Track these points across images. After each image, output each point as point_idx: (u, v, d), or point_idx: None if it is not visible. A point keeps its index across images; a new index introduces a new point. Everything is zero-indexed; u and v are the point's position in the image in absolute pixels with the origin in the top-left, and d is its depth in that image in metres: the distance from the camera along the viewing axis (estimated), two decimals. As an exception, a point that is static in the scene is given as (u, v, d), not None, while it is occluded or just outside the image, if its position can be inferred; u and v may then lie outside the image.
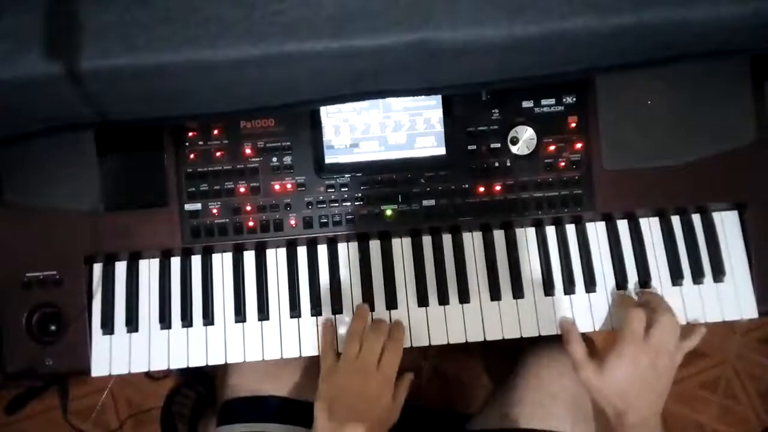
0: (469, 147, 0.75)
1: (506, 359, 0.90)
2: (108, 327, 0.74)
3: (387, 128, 0.75)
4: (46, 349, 0.73)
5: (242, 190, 0.74)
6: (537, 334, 0.75)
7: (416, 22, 0.50)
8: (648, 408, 0.68)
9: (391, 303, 0.75)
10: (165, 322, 0.75)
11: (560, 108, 0.75)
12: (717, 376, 1.39)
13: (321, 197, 0.74)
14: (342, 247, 0.77)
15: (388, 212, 0.75)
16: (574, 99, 0.75)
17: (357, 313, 0.73)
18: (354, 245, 0.77)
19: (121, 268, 0.76)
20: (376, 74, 0.56)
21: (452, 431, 0.90)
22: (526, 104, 0.75)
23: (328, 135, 0.75)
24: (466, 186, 0.75)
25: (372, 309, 0.75)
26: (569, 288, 0.76)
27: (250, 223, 0.74)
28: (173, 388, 1.32)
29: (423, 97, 0.74)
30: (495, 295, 0.75)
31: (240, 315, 0.75)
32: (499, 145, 0.74)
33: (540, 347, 0.80)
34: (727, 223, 0.77)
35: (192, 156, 0.74)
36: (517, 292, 0.76)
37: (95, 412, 1.36)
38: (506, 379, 0.84)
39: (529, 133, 0.74)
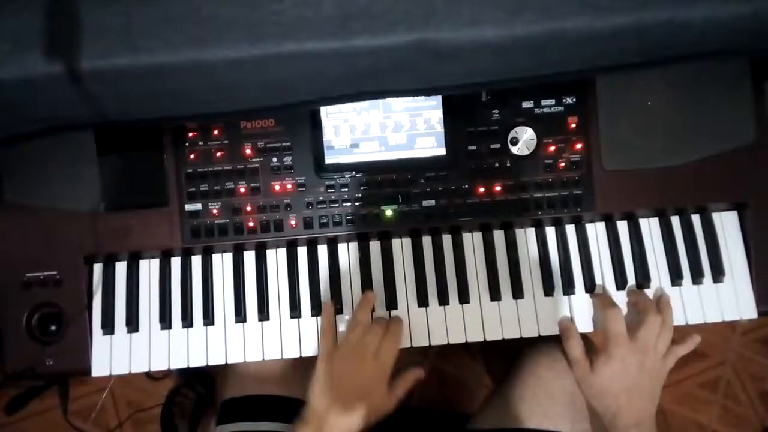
0: (469, 147, 0.75)
1: (506, 359, 0.90)
2: (108, 327, 0.74)
3: (387, 128, 0.75)
4: (46, 349, 0.73)
5: (242, 190, 0.74)
6: (537, 335, 0.75)
7: (416, 22, 0.50)
8: (641, 409, 0.68)
9: (391, 303, 0.75)
10: (165, 322, 0.75)
11: (560, 108, 0.75)
12: (717, 376, 1.39)
13: (321, 197, 0.74)
14: (342, 248, 0.77)
15: (388, 212, 0.75)
16: (574, 99, 0.75)
17: (364, 302, 0.73)
18: (354, 245, 0.77)
19: (121, 268, 0.76)
20: (376, 74, 0.56)
21: (452, 431, 0.90)
22: (526, 105, 0.75)
23: (328, 135, 0.75)
24: (466, 186, 0.75)
25: (372, 309, 0.75)
26: (569, 288, 0.76)
27: (250, 224, 0.74)
28: (173, 388, 1.32)
29: (423, 97, 0.74)
30: (495, 295, 0.75)
31: (240, 315, 0.75)
32: (499, 145, 0.74)
33: (539, 347, 0.80)
34: (727, 223, 0.77)
35: (192, 156, 0.74)
36: (517, 292, 0.76)
37: (95, 412, 1.36)
38: (505, 379, 0.85)
39: (529, 134, 0.74)
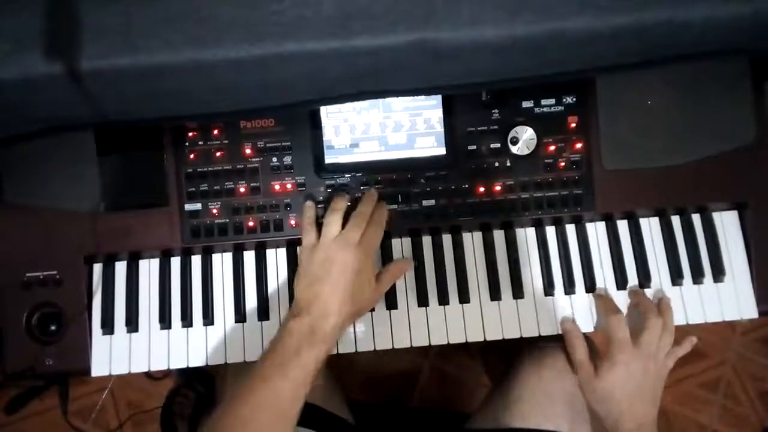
0: (469, 147, 0.75)
1: (506, 359, 0.90)
2: (108, 327, 0.74)
3: (387, 128, 0.75)
4: (46, 349, 0.73)
5: (242, 190, 0.74)
6: (537, 335, 0.75)
7: (416, 22, 0.50)
8: (643, 415, 0.68)
9: (391, 303, 0.75)
10: (165, 322, 0.75)
11: (560, 108, 0.75)
12: (717, 376, 1.39)
13: (321, 197, 0.74)
14: (342, 247, 0.77)
15: (388, 212, 0.75)
16: (574, 99, 0.75)
17: (336, 197, 0.72)
18: (354, 245, 0.77)
19: (121, 268, 0.76)
20: (376, 74, 0.56)
21: (452, 431, 0.90)
22: (526, 104, 0.75)
23: (328, 135, 0.75)
24: (466, 186, 0.75)
25: (371, 309, 0.75)
26: (569, 288, 0.76)
27: (250, 223, 0.74)
28: (173, 388, 1.32)
29: (423, 97, 0.74)
30: (495, 295, 0.75)
31: (240, 315, 0.75)
32: (499, 145, 0.74)
33: (539, 347, 0.80)
34: (727, 223, 0.77)
35: (192, 156, 0.74)
36: (517, 292, 0.76)
37: (95, 412, 1.36)
38: (505, 379, 0.85)
39: (529, 134, 0.74)
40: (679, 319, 0.75)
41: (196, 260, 0.77)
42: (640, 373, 0.68)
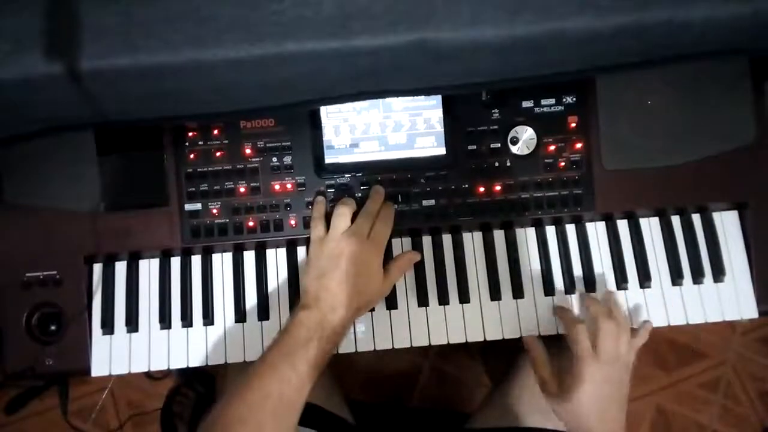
0: (469, 147, 0.75)
1: (506, 359, 0.90)
2: (108, 327, 0.74)
3: (387, 128, 0.75)
4: (46, 349, 0.73)
5: (242, 190, 0.74)
6: (537, 335, 0.75)
7: (416, 22, 0.50)
8: (612, 421, 0.67)
9: (391, 303, 0.75)
10: (165, 322, 0.75)
11: (560, 108, 0.75)
12: (717, 376, 1.39)
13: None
14: (342, 247, 0.77)
15: (388, 212, 0.75)
16: (574, 99, 0.75)
17: (342, 200, 0.72)
18: (354, 245, 0.77)
19: (121, 268, 0.76)
20: (376, 74, 0.56)
21: (452, 431, 0.90)
22: (526, 104, 0.75)
23: (328, 135, 0.75)
24: (466, 186, 0.75)
25: (371, 309, 0.75)
26: (569, 288, 0.76)
27: (250, 223, 0.74)
28: (173, 388, 1.32)
29: (423, 97, 0.74)
30: (495, 295, 0.75)
31: (240, 315, 0.75)
32: (499, 145, 0.74)
33: (548, 343, 0.80)
34: (727, 223, 0.77)
35: (192, 156, 0.74)
36: (517, 292, 0.76)
37: (95, 412, 1.36)
38: (505, 379, 0.85)
39: (529, 133, 0.74)
40: (679, 320, 0.75)
41: (196, 260, 0.77)
42: (605, 383, 0.67)
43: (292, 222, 0.74)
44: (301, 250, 0.77)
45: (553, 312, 0.75)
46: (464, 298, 0.75)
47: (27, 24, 0.49)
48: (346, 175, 0.74)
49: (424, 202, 0.75)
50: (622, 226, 0.77)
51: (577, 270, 0.76)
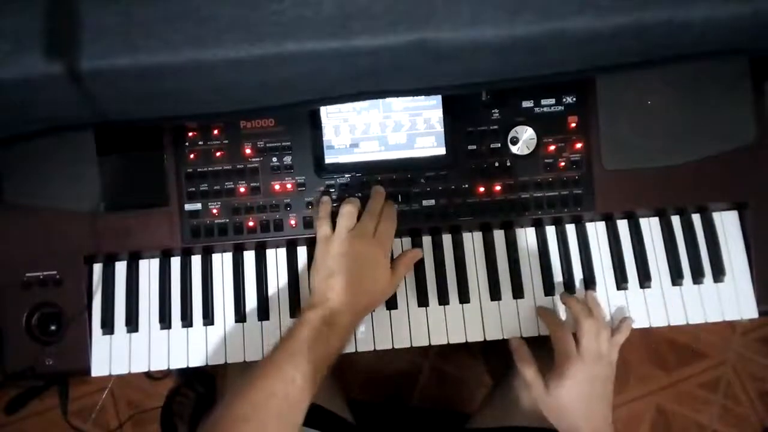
0: (469, 147, 0.75)
1: (506, 359, 0.90)
2: (108, 327, 0.74)
3: (387, 128, 0.75)
4: (46, 349, 0.73)
5: (242, 190, 0.74)
6: (537, 335, 0.75)
7: (416, 22, 0.50)
8: (598, 418, 0.68)
9: (391, 303, 0.75)
10: (165, 322, 0.75)
11: (560, 108, 0.75)
12: (717, 376, 1.39)
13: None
14: (342, 247, 0.77)
15: (388, 212, 0.74)
16: (574, 99, 0.75)
17: (347, 200, 0.72)
18: (354, 245, 0.77)
19: (121, 268, 0.76)
20: (376, 74, 0.56)
21: (452, 431, 0.90)
22: (526, 104, 0.75)
23: (328, 135, 0.75)
24: (466, 186, 0.75)
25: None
26: (569, 288, 0.76)
27: (250, 223, 0.74)
28: (173, 388, 1.32)
29: (423, 97, 0.74)
30: (495, 295, 0.75)
31: (240, 315, 0.75)
32: (499, 145, 0.74)
33: (539, 347, 0.80)
34: (727, 223, 0.77)
35: (192, 156, 0.74)
36: (517, 292, 0.76)
37: (95, 412, 1.36)
38: (505, 379, 0.85)
39: (529, 133, 0.74)
40: (679, 320, 0.75)
41: (196, 260, 0.77)
42: (589, 382, 0.68)
43: (292, 222, 0.74)
44: (301, 251, 0.77)
45: (536, 312, 0.75)
46: (464, 298, 0.75)
47: (27, 24, 0.49)
48: (346, 175, 0.74)
49: (424, 202, 0.75)
50: (622, 226, 0.77)
51: (577, 270, 0.76)
